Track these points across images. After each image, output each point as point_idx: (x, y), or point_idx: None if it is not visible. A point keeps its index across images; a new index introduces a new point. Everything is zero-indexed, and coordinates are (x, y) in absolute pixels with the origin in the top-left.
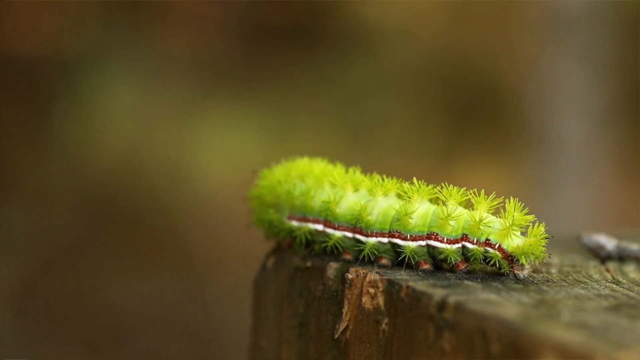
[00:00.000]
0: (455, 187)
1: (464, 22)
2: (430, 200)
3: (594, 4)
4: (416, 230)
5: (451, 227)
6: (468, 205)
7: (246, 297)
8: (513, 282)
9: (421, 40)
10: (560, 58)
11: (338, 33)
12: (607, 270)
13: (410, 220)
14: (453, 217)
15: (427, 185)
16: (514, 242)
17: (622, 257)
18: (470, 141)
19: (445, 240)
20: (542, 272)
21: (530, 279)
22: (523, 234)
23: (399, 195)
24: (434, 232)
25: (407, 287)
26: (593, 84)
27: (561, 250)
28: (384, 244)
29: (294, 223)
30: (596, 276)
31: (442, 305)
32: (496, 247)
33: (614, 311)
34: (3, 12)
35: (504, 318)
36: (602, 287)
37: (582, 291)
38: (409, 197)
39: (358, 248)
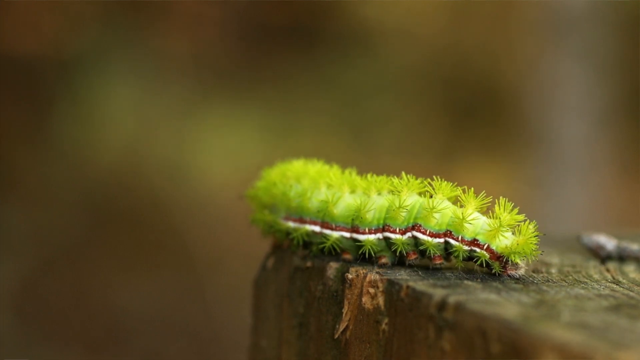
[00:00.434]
0: (445, 182)
1: (464, 22)
2: (420, 194)
3: (594, 4)
4: (403, 222)
5: (435, 220)
6: (458, 202)
7: (246, 297)
8: (513, 282)
9: (421, 40)
10: (560, 58)
11: (338, 33)
12: (607, 270)
13: (402, 213)
14: (437, 210)
15: (416, 179)
16: (503, 242)
17: (622, 257)
18: (470, 141)
19: (427, 232)
20: (542, 272)
21: (530, 279)
22: (513, 233)
23: (391, 192)
24: (418, 224)
25: (407, 287)
26: (593, 84)
27: (561, 250)
28: (380, 240)
29: (291, 224)
30: (596, 276)
31: (442, 305)
32: (485, 247)
33: (614, 311)
34: (3, 12)
35: (504, 318)
36: (602, 287)
37: (582, 291)
38: (399, 192)
39: (356, 246)
